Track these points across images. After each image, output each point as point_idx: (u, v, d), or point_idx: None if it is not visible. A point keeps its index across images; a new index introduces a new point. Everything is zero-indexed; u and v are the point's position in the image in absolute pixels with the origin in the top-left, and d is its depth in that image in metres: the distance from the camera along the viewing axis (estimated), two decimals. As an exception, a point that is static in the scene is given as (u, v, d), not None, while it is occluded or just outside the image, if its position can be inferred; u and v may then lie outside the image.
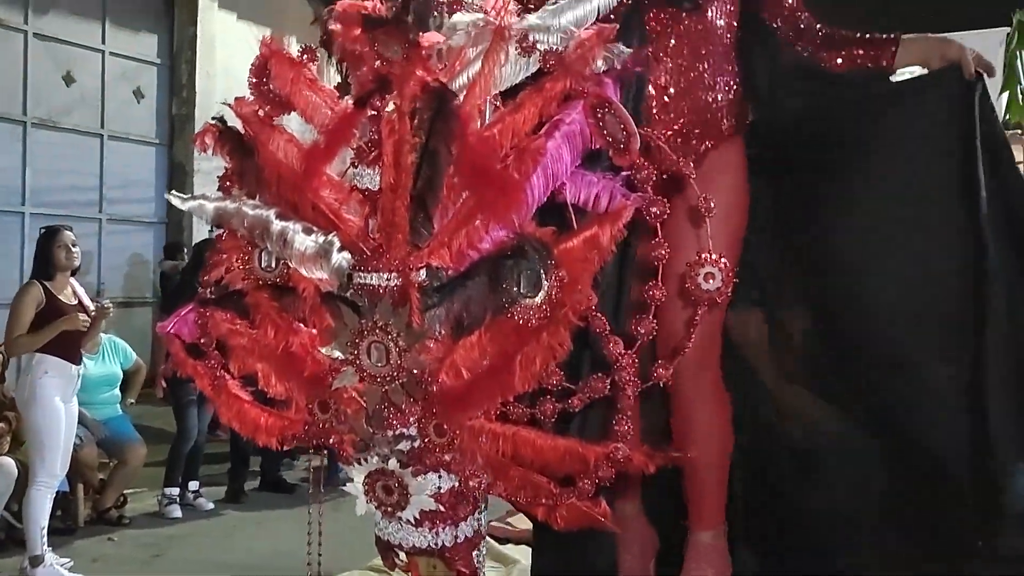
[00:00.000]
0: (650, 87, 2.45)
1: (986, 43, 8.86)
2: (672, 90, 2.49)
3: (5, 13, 8.84)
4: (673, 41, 2.52)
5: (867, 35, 2.56)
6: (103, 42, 9.76)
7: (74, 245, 5.08)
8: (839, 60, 2.56)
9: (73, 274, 5.13)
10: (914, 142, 2.44)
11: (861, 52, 2.54)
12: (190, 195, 2.00)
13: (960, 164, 2.37)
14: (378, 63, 1.84)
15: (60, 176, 9.36)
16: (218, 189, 2.10)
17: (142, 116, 10.23)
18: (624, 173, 1.86)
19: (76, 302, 5.06)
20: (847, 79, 2.55)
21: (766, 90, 2.57)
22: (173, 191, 2.04)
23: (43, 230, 5.23)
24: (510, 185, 1.77)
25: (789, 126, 2.58)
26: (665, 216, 1.75)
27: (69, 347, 4.92)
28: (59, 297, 4.98)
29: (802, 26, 2.63)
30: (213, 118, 1.99)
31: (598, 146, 1.82)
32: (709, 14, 2.53)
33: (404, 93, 1.78)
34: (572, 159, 1.83)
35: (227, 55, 10.08)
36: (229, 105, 1.98)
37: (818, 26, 2.62)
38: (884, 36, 2.53)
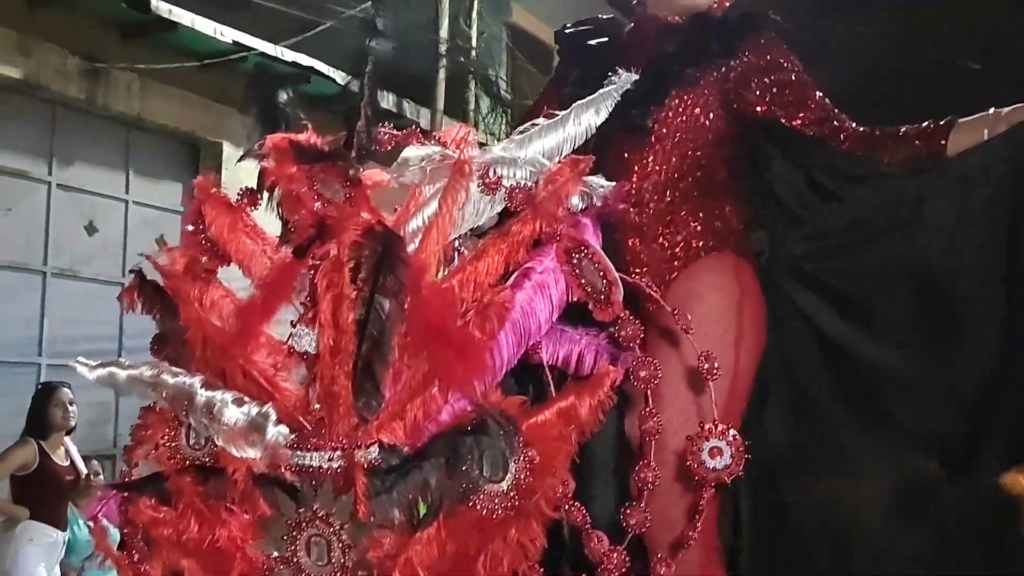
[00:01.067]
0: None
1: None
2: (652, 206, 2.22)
3: (30, 165, 8.85)
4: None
5: (916, 125, 2.22)
6: (126, 191, 9.74)
7: (71, 403, 4.86)
8: (886, 159, 2.22)
9: (68, 433, 4.90)
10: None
11: (917, 143, 2.18)
12: (100, 362, 1.71)
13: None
14: (318, 204, 1.57)
15: (79, 326, 9.21)
16: (151, 352, 1.83)
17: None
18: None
19: (69, 463, 4.81)
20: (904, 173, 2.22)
21: (796, 205, 2.28)
22: (79, 358, 1.76)
23: (40, 386, 5.03)
24: (471, 346, 1.48)
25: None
26: (656, 381, 1.43)
27: (55, 512, 4.63)
28: (52, 457, 4.74)
29: (836, 125, 2.29)
30: (131, 271, 1.72)
31: (576, 298, 1.52)
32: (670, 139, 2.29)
33: (343, 240, 1.50)
34: (547, 313, 1.54)
35: (251, 203, 10.02)
36: (148, 257, 1.71)
37: (855, 125, 2.29)
38: (937, 122, 2.19)
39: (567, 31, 2.56)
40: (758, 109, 2.28)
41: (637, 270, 2.11)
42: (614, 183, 1.54)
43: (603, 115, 1.59)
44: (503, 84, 12.29)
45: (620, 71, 1.64)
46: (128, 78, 8.95)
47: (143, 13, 8.42)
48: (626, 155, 2.23)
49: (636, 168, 2.24)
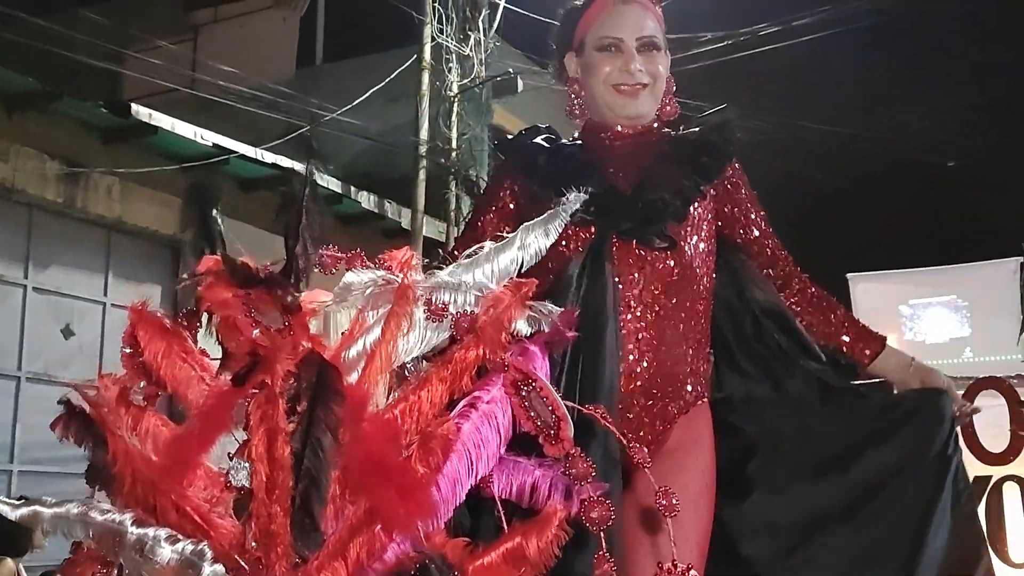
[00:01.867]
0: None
1: (998, 271, 8.69)
2: (632, 346, 2.14)
3: (4, 269, 8.77)
4: (641, 284, 2.20)
5: (860, 323, 2.43)
6: (104, 294, 9.65)
7: None
8: (825, 331, 2.37)
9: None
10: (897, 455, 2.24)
11: (847, 339, 2.37)
12: (23, 499, 1.62)
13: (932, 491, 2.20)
14: (256, 331, 1.50)
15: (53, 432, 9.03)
16: (87, 483, 1.73)
17: (142, 367, 10.00)
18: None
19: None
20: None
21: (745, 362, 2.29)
22: (2, 498, 1.66)
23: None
24: (414, 483, 1.39)
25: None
26: (609, 523, 1.34)
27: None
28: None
29: (795, 282, 2.43)
30: (60, 401, 1.63)
31: (524, 430, 1.44)
32: (686, 255, 2.22)
33: (276, 371, 1.42)
34: (495, 445, 1.45)
35: (231, 304, 9.94)
36: (75, 387, 1.63)
37: (812, 289, 2.43)
38: (875, 334, 2.41)
39: (514, 140, 2.52)
40: (738, 241, 2.34)
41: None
42: (561, 308, 1.47)
43: (552, 237, 1.53)
44: (483, 184, 12.36)
45: (568, 193, 1.59)
46: (109, 181, 8.94)
47: (124, 118, 8.45)
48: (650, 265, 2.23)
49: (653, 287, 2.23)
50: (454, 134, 11.53)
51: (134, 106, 8.50)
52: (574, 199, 1.57)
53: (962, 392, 2.41)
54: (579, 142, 2.40)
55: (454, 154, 11.51)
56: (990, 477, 4.72)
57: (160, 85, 11.51)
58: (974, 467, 4.74)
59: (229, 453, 1.57)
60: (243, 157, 9.25)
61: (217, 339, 1.63)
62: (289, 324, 1.46)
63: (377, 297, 1.54)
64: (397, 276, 1.52)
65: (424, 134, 11.15)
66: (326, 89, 12.41)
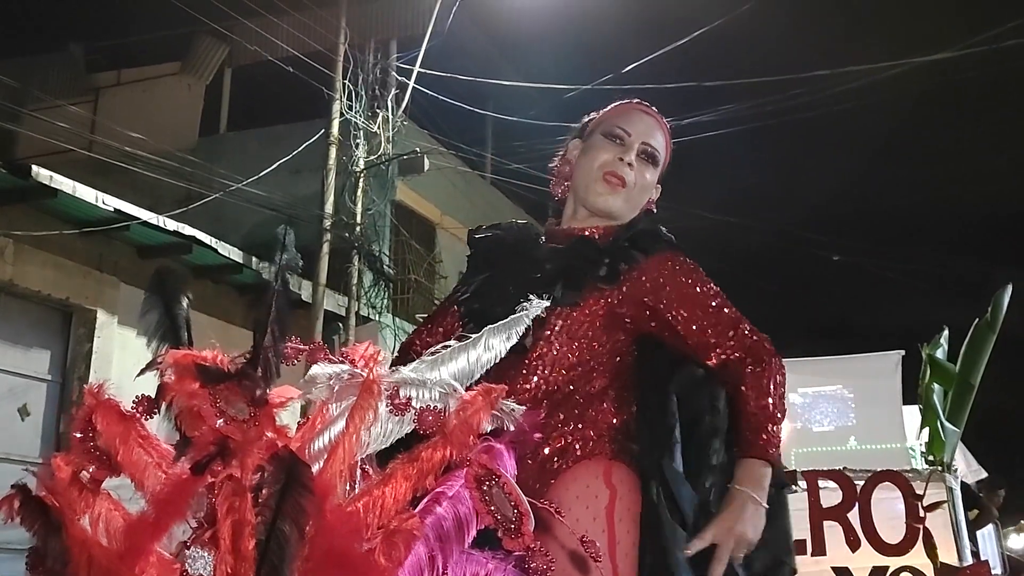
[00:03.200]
0: None
1: (883, 364, 9.06)
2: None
3: None
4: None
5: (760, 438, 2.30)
6: (-10, 358, 9.33)
7: None
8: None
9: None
10: None
11: (748, 435, 2.27)
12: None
13: None
14: (220, 421, 1.52)
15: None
16: (27, 569, 1.70)
17: (27, 434, 9.65)
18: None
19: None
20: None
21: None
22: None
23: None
24: (376, 575, 1.42)
25: None
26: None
27: None
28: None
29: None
30: (13, 486, 1.61)
31: (484, 525, 1.49)
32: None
33: (245, 464, 1.45)
34: (457, 541, 1.50)
35: (122, 371, 9.70)
36: (32, 472, 1.61)
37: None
38: (754, 438, 2.28)
39: (477, 236, 2.58)
40: (652, 325, 2.36)
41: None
42: (527, 409, 1.52)
43: (514, 340, 1.60)
44: (386, 259, 12.41)
45: (534, 297, 1.66)
46: (2, 243, 8.70)
47: (23, 179, 8.26)
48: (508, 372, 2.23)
49: (517, 385, 2.26)
50: (359, 209, 11.59)
51: (35, 167, 8.32)
52: (536, 305, 1.64)
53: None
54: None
55: (358, 228, 11.56)
56: (887, 568, 4.88)
57: (57, 146, 11.32)
58: (872, 558, 4.91)
59: (184, 541, 1.58)
60: (145, 224, 9.10)
61: (177, 427, 1.64)
62: (256, 416, 1.49)
63: (342, 390, 1.57)
64: (362, 370, 1.56)
65: (329, 207, 11.18)
66: (230, 158, 12.38)
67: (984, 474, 10.10)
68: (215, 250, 9.82)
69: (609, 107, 2.57)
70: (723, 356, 2.34)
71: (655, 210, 2.55)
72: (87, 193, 8.70)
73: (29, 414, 9.73)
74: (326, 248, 11.00)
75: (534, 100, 13.21)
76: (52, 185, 8.38)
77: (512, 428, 1.49)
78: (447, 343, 1.60)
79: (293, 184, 11.68)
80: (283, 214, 10.72)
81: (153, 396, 1.67)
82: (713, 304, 2.36)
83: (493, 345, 1.58)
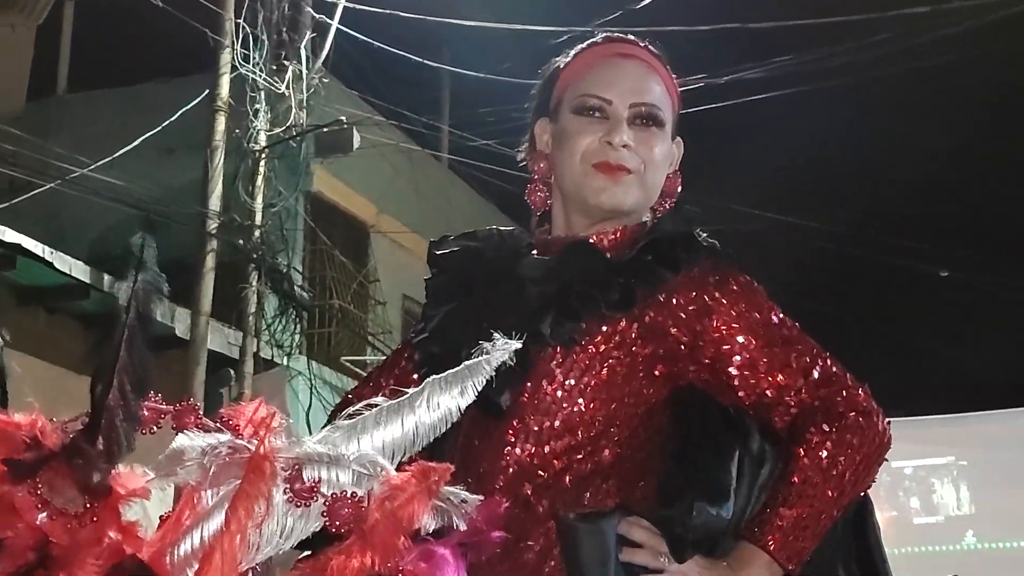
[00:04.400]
0: None
1: (1011, 427, 9.14)
2: None
3: None
4: None
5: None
6: None
7: None
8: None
9: None
10: None
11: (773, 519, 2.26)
12: None
13: None
14: (42, 516, 1.53)
15: None
16: None
17: None
18: None
19: None
20: None
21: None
22: None
23: None
24: None
25: None
26: None
27: None
28: None
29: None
30: None
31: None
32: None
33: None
34: None
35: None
36: None
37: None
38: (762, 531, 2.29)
39: (441, 251, 2.57)
40: (692, 370, 2.36)
41: None
42: (483, 498, 1.53)
43: (470, 396, 1.60)
44: (298, 277, 12.41)
45: (498, 337, 1.65)
46: None
47: None
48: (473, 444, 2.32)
49: (483, 465, 2.31)
50: (259, 205, 11.57)
51: None
52: (501, 349, 1.63)
53: None
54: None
55: (258, 233, 11.53)
56: None
57: None
58: None
59: None
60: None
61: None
62: (93, 508, 1.49)
63: (220, 471, 1.57)
64: (248, 442, 1.56)
65: (215, 202, 11.15)
66: (71, 130, 12.36)
67: None
68: (49, 264, 9.79)
69: (570, 58, 2.52)
70: (793, 409, 2.30)
71: (680, 186, 2.53)
72: None
73: None
74: (211, 261, 10.94)
75: (508, 48, 13.26)
76: None
77: (462, 525, 1.50)
78: (372, 401, 1.61)
79: (163, 168, 11.66)
80: (148, 212, 10.69)
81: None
82: (783, 336, 2.34)
83: (439, 404, 1.58)
